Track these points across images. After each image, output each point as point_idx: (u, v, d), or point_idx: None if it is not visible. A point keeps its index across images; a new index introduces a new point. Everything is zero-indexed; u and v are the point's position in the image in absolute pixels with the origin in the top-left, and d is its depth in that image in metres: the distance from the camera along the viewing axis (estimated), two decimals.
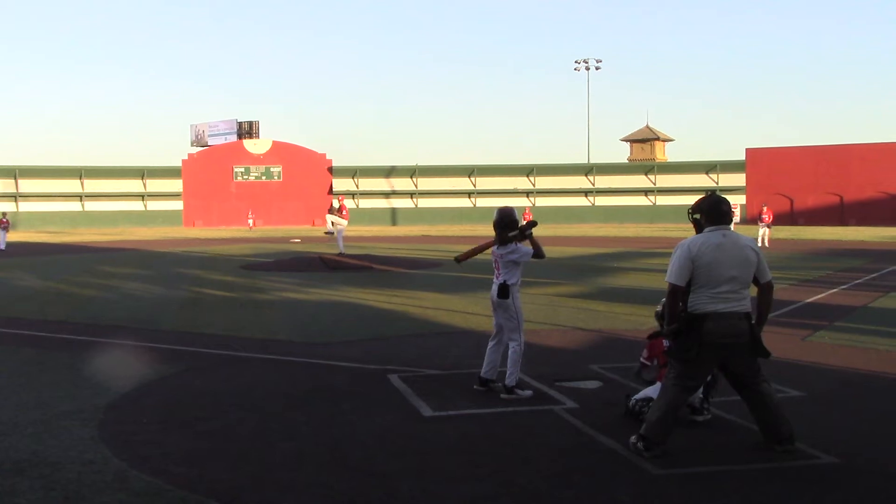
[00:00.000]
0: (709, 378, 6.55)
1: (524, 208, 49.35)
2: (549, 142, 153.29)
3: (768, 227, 34.79)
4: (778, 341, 10.45)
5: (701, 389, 6.65)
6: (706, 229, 5.95)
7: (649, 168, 76.59)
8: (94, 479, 5.37)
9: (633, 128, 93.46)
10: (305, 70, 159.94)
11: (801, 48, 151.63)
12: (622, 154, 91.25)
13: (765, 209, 35.88)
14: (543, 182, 74.00)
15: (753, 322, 5.93)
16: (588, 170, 75.91)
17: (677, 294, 5.85)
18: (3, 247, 34.76)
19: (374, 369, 8.92)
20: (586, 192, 74.44)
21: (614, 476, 5.45)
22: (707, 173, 73.52)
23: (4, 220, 36.70)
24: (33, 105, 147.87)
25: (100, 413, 7.05)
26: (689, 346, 5.79)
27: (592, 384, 8.17)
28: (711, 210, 5.99)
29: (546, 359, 9.49)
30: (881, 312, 13.48)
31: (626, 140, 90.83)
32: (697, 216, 6.12)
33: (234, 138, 74.44)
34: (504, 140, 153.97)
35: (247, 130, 75.07)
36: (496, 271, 7.91)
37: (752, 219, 66.99)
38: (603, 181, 74.35)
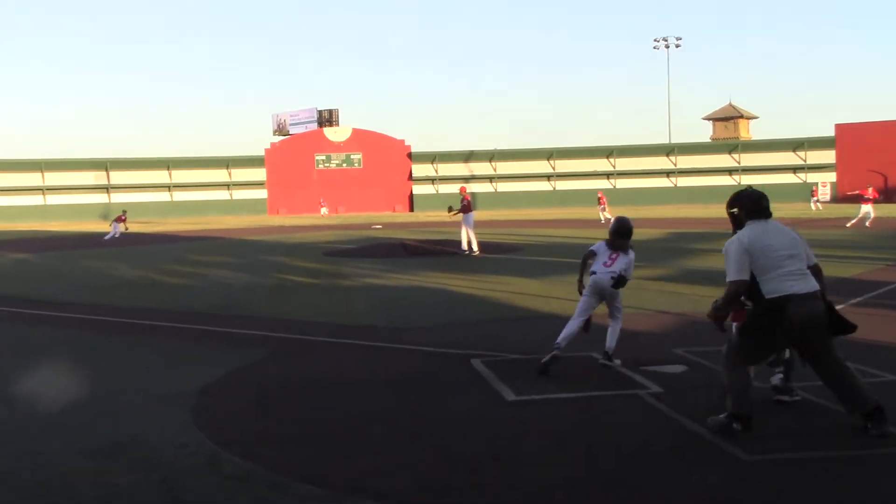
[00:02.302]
0: (786, 356, 6.58)
1: (598, 191, 48.66)
2: (628, 123, 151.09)
3: (871, 206, 33.41)
4: (875, 324, 10.11)
5: (781, 370, 6.65)
6: (748, 223, 6.04)
7: (733, 147, 74.72)
8: (189, 461, 5.55)
9: (716, 106, 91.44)
10: (383, 57, 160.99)
11: (889, 17, 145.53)
12: (704, 133, 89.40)
13: (870, 189, 34.57)
14: (624, 164, 72.93)
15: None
16: (669, 150, 74.47)
17: (741, 291, 5.91)
18: (116, 236, 36.31)
19: (456, 354, 8.96)
20: (668, 173, 73.08)
21: (702, 461, 5.36)
22: (794, 151, 71.35)
23: (123, 215, 38.43)
24: (123, 100, 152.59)
25: (192, 398, 7.27)
26: (770, 329, 5.79)
27: (677, 368, 8.06)
28: (752, 205, 6.09)
29: (630, 343, 9.37)
30: None
31: (708, 119, 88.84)
32: (735, 211, 6.24)
33: (314, 127, 75.42)
34: (583, 122, 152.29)
35: (327, 118, 75.95)
36: (609, 262, 8.34)
37: (843, 197, 64.89)
38: (685, 161, 72.84)
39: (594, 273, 8.39)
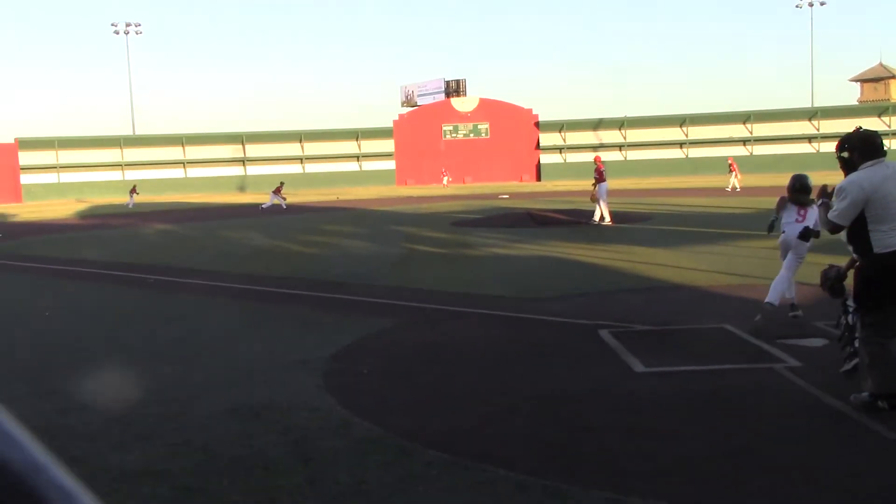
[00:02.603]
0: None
1: (727, 159, 46.76)
2: (767, 86, 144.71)
3: None
4: None
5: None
6: (864, 165, 5.67)
7: (883, 109, 70.47)
8: (321, 425, 5.71)
9: (864, 66, 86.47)
10: (510, 25, 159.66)
11: None
12: (851, 96, 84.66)
13: None
14: (762, 129, 70.02)
15: None
16: (812, 114, 70.97)
17: (834, 231, 5.78)
18: (282, 206, 37.52)
19: (584, 324, 8.87)
20: (810, 139, 69.73)
21: (844, 439, 5.13)
22: None
23: (281, 187, 39.59)
24: (258, 76, 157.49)
25: (324, 364, 7.48)
26: (883, 288, 5.49)
27: (817, 342, 7.72)
28: (865, 145, 5.76)
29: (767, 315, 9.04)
30: None
31: (855, 80, 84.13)
32: (845, 154, 5.90)
33: (442, 97, 75.80)
34: (718, 87, 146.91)
35: (454, 89, 76.15)
36: (800, 218, 8.56)
37: None
38: (829, 126, 69.23)
39: (783, 232, 8.71)
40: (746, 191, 37.48)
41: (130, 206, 46.68)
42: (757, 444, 5.09)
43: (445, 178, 64.10)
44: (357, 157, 74.21)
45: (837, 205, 5.70)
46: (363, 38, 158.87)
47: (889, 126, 67.64)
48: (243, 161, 71.86)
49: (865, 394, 5.61)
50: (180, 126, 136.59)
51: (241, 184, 68.80)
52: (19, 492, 0.43)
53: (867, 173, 5.63)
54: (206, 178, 68.82)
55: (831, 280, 6.44)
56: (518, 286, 11.95)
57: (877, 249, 5.54)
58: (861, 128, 6.11)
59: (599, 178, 22.90)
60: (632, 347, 7.64)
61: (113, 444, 5.47)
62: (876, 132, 5.87)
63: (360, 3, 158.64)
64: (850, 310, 6.30)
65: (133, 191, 50.31)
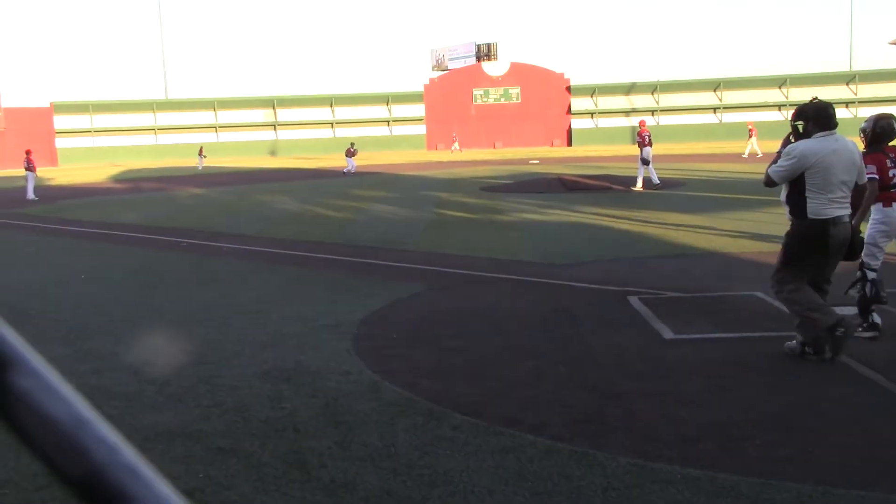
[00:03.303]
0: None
1: (747, 125, 45.82)
2: (804, 49, 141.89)
3: None
4: None
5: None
6: (817, 135, 6.04)
7: None
8: (351, 388, 5.78)
9: None
10: None
11: None
12: (891, 60, 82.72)
13: None
14: (798, 94, 68.68)
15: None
16: (850, 78, 69.61)
17: (769, 184, 6.30)
18: (353, 170, 36.75)
19: (614, 290, 8.85)
20: (847, 103, 68.44)
21: (873, 408, 5.10)
22: None
23: (353, 149, 38.53)
24: (287, 39, 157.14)
25: (354, 328, 7.54)
26: (813, 248, 6.04)
27: (850, 310, 7.62)
28: (819, 115, 6.11)
29: None
30: None
31: (894, 43, 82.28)
32: (800, 123, 6.20)
33: (472, 61, 75.27)
34: (753, 49, 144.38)
35: (485, 53, 75.57)
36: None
37: None
38: (867, 90, 67.94)
39: None
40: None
41: (200, 167, 47.52)
42: (786, 412, 5.08)
43: (455, 144, 61.43)
44: (388, 122, 74.08)
45: (781, 162, 6.11)
46: (394, 1, 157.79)
47: None
48: (274, 125, 72.03)
49: (795, 343, 6.16)
50: (212, 90, 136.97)
51: (273, 148, 69.01)
52: (64, 445, 0.45)
53: (816, 142, 6.02)
54: (238, 143, 69.10)
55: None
56: (548, 252, 11.93)
57: (810, 215, 5.99)
58: (816, 98, 6.42)
59: (642, 142, 22.72)
60: (661, 314, 7.62)
61: (146, 404, 5.58)
62: (830, 104, 6.25)
63: None
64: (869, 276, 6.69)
65: (201, 153, 50.73)
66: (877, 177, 6.64)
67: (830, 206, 5.95)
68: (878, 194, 6.71)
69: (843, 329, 5.87)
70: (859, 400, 5.26)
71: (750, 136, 40.20)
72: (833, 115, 6.16)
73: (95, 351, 7.06)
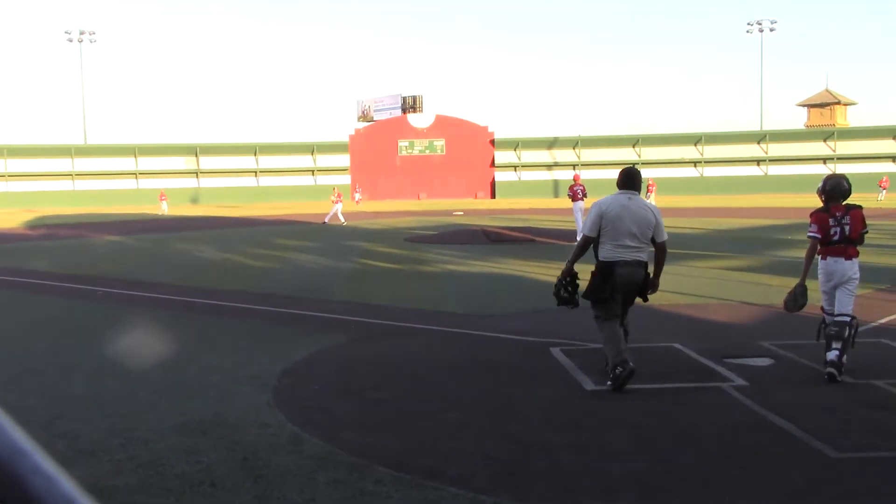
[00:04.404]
0: (847, 334, 7.03)
1: (647, 180, 47.31)
2: (718, 109, 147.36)
3: None
4: None
5: (837, 345, 7.02)
6: (616, 193, 7.24)
7: (828, 134, 72.16)
8: (271, 441, 5.66)
9: (811, 91, 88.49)
10: (467, 43, 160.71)
11: None
12: (798, 120, 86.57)
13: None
14: (712, 151, 71.23)
15: (651, 272, 7.24)
16: (761, 137, 72.39)
17: (588, 243, 7.28)
18: (341, 220, 34.88)
19: (536, 342, 8.92)
20: (758, 161, 71.09)
21: (787, 458, 5.22)
22: (894, 138, 68.58)
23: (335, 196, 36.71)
24: (212, 86, 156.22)
25: (275, 379, 7.41)
26: (604, 287, 7.08)
27: (763, 361, 7.85)
28: (620, 177, 7.34)
29: (715, 334, 9.19)
30: None
31: (802, 105, 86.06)
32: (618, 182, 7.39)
33: (398, 113, 75.89)
34: (671, 108, 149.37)
35: (411, 105, 76.29)
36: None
37: None
38: (777, 149, 70.71)
39: None
40: (699, 212, 38.07)
41: (164, 211, 47.96)
42: (704, 462, 5.16)
43: (357, 195, 60.87)
44: (312, 171, 73.89)
45: (586, 221, 7.37)
46: (320, 53, 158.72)
47: (834, 151, 69.32)
48: (196, 173, 71.13)
49: (610, 372, 6.88)
50: (133, 136, 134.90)
51: (195, 196, 68.07)
52: (2, 475, 0.44)
53: (611, 198, 7.25)
54: (159, 190, 68.04)
55: (796, 296, 7.50)
56: (471, 303, 11.98)
57: (601, 258, 7.14)
58: (632, 167, 7.56)
59: (573, 196, 23.30)
60: (583, 365, 7.71)
61: (57, 459, 5.33)
62: (634, 170, 7.38)
63: (318, 17, 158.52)
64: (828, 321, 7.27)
65: (162, 197, 50.69)
66: (817, 235, 7.29)
67: (616, 251, 7.02)
68: (821, 249, 7.32)
69: (622, 370, 6.73)
70: (774, 449, 5.37)
71: (649, 192, 41.34)
72: (632, 178, 7.30)
73: (3, 402, 6.76)
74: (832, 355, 7.02)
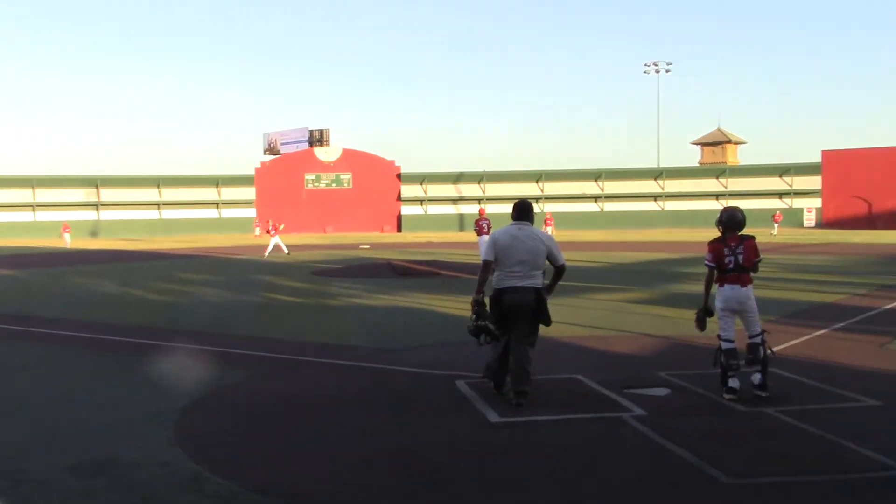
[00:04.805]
0: (763, 354, 7.71)
1: (545, 214, 48.64)
2: (618, 146, 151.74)
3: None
4: (855, 349, 10.20)
5: (758, 368, 7.71)
6: (510, 224, 7.77)
7: (720, 171, 75.14)
8: (171, 480, 5.53)
9: (705, 131, 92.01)
10: (374, 77, 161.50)
11: (877, 45, 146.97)
12: (693, 158, 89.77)
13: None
14: (612, 187, 73.25)
15: (545, 292, 7.70)
16: (657, 174, 74.86)
17: (488, 267, 7.69)
18: (283, 250, 34.47)
19: (441, 375, 8.97)
20: (655, 197, 73.42)
21: (684, 485, 5.39)
22: (781, 176, 71.83)
23: (270, 225, 36.12)
24: (115, 117, 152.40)
25: (175, 416, 7.25)
26: (494, 311, 7.60)
27: (661, 391, 8.09)
28: (514, 211, 7.86)
29: (614, 365, 9.42)
30: None
31: (696, 143, 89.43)
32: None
33: (305, 146, 75.54)
34: (572, 145, 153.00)
35: (318, 138, 76.04)
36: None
37: (827, 223, 65.37)
38: (673, 185, 73.22)
39: None
40: (599, 246, 38.98)
41: (68, 243, 47.54)
42: (605, 492, 5.28)
43: (257, 229, 59.74)
44: (217, 205, 72.74)
45: (484, 246, 7.90)
46: (227, 84, 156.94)
47: (726, 187, 72.18)
48: (97, 205, 69.19)
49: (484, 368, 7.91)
50: (31, 168, 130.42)
51: (95, 229, 66.12)
52: None
53: (503, 228, 7.79)
54: (58, 223, 65.84)
55: (699, 318, 8.11)
56: (377, 337, 11.96)
57: (494, 285, 7.66)
58: (524, 200, 8.00)
59: (479, 230, 23.64)
60: (487, 398, 7.78)
61: None
62: (527, 203, 7.91)
63: (225, 48, 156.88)
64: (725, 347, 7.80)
65: (65, 229, 49.80)
66: (712, 264, 7.91)
67: (508, 278, 7.54)
68: (718, 276, 7.90)
69: (488, 378, 7.87)
70: (671, 477, 5.53)
71: (546, 225, 42.25)
72: (524, 210, 7.81)
73: None
74: (735, 383, 7.61)
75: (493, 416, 7.14)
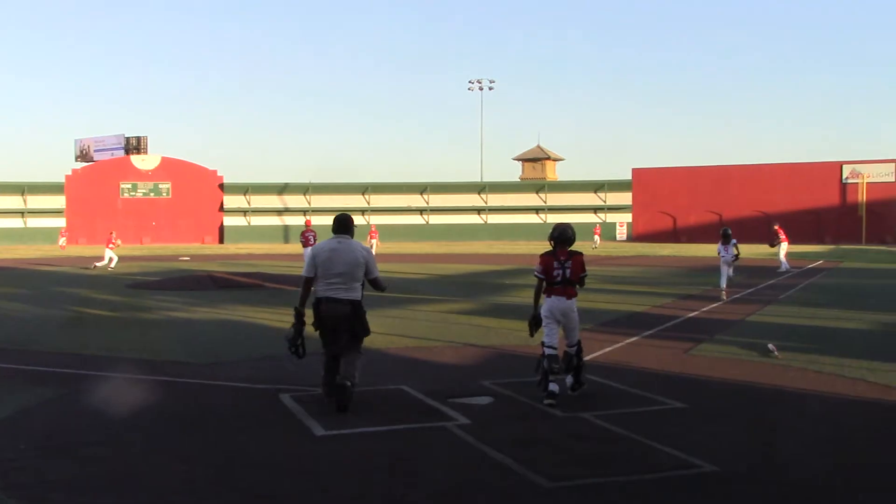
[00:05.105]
0: (575, 363, 8.37)
1: (370, 227, 49.37)
2: (443, 160, 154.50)
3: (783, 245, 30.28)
4: (661, 355, 10.84)
5: (570, 376, 8.38)
6: (330, 237, 8.05)
7: (540, 187, 78.08)
8: None
9: (525, 147, 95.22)
10: (194, 85, 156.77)
11: (684, 71, 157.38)
12: (514, 173, 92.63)
13: (776, 227, 31.48)
14: (437, 200, 74.53)
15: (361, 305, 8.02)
16: (481, 188, 76.85)
17: (308, 283, 8.01)
18: (112, 264, 31.95)
19: (265, 389, 8.79)
20: (479, 210, 75.32)
21: (507, 490, 5.52)
22: (595, 192, 75.49)
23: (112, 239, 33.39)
24: None
25: None
26: (314, 320, 7.92)
27: (484, 400, 8.27)
28: (334, 224, 8.14)
29: (438, 375, 9.54)
30: (757, 325, 14.11)
31: (518, 159, 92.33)
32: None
33: (121, 154, 72.29)
34: (399, 158, 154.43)
35: (135, 146, 73.01)
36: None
37: (637, 237, 69.41)
38: (495, 199, 75.41)
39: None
40: (424, 258, 39.47)
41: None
42: (430, 501, 5.32)
43: (62, 240, 57.24)
44: (22, 214, 68.28)
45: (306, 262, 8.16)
46: (35, 86, 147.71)
47: (545, 201, 75.09)
48: None
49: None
50: None
51: None
52: None
53: (324, 242, 8.10)
54: None
55: (530, 324, 8.51)
56: (198, 351, 11.56)
57: (317, 294, 7.91)
58: (344, 213, 8.29)
59: (304, 242, 23.83)
60: (312, 411, 7.69)
61: None
62: (348, 216, 8.18)
63: (34, 46, 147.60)
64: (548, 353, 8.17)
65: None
66: (542, 276, 8.32)
67: (327, 289, 7.85)
68: (546, 288, 8.33)
69: (327, 397, 7.88)
70: (494, 482, 5.66)
71: (371, 238, 42.52)
72: (343, 223, 8.10)
73: None
74: (554, 387, 7.96)
75: (319, 430, 7.05)
